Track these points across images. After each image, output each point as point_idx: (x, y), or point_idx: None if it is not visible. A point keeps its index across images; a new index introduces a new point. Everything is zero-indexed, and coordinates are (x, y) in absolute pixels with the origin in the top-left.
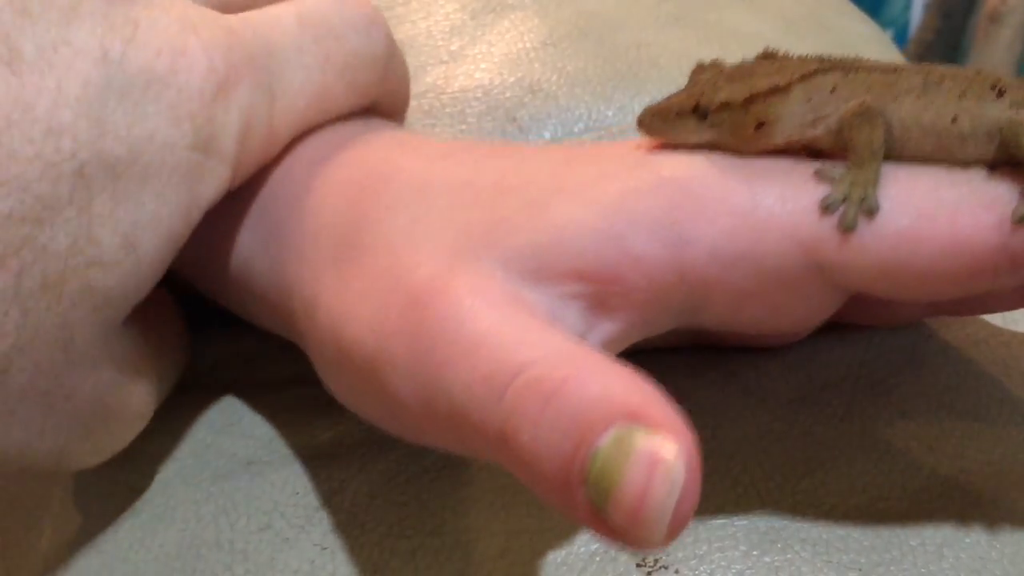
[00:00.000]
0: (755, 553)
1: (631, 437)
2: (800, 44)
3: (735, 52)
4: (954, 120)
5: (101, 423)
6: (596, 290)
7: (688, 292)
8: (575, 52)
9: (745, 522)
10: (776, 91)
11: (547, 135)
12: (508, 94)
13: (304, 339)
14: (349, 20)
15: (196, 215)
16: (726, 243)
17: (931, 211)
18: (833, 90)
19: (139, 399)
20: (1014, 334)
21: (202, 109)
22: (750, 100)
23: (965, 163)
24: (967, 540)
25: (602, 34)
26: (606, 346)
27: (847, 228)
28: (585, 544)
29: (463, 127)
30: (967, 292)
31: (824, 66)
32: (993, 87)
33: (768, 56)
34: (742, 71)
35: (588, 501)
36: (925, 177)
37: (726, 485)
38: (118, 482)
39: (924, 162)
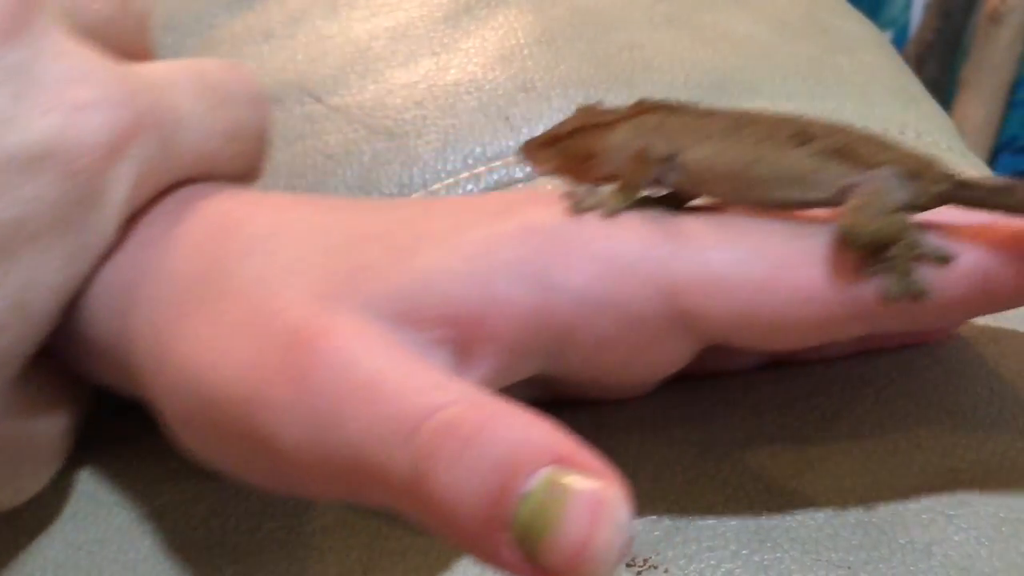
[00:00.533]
0: (744, 552)
1: (565, 480)
2: (795, 45)
3: (728, 54)
4: (750, 165)
5: (14, 470)
6: (462, 335)
7: (552, 336)
8: (569, 51)
9: (735, 522)
10: (601, 126)
11: None
12: (500, 91)
13: (152, 392)
14: (241, 92)
15: (84, 268)
16: (590, 288)
17: (788, 261)
18: (655, 128)
19: (50, 440)
20: (1003, 331)
21: (94, 164)
22: (576, 132)
23: (782, 207)
24: (955, 538)
25: (596, 33)
26: None
27: (577, 209)
28: None
29: (453, 121)
30: (817, 340)
31: (648, 107)
32: (796, 135)
33: (588, 108)
34: (595, 111)
35: (513, 544)
36: (782, 227)
37: (715, 485)
38: (106, 482)
39: (728, 203)
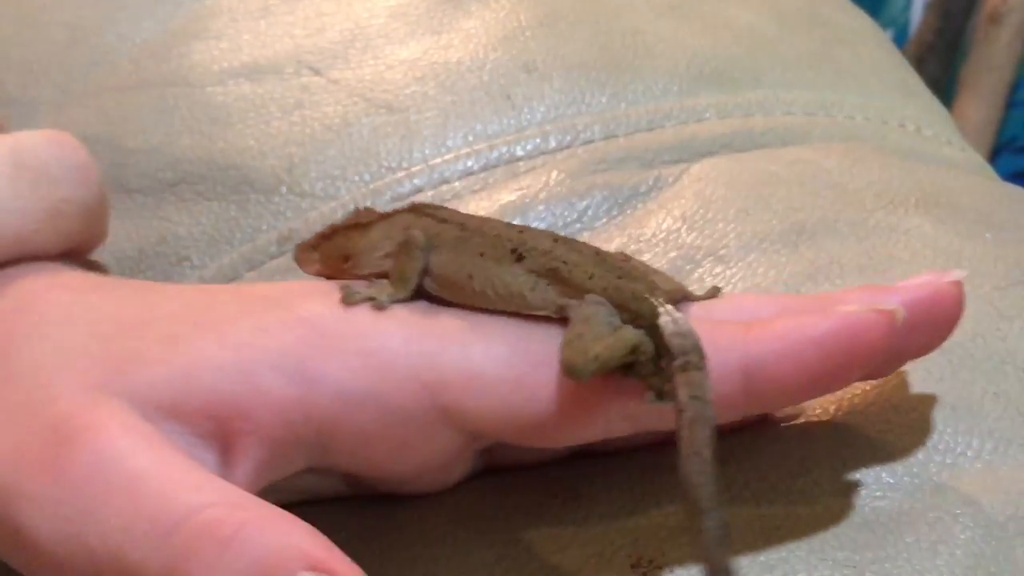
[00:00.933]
0: (750, 552)
1: None
2: (796, 37)
3: (729, 43)
4: (470, 276)
5: None
6: (224, 429)
7: (316, 430)
8: (571, 35)
9: (740, 521)
10: (357, 227)
11: (539, 117)
12: (502, 70)
13: None
14: (65, 166)
15: None
16: (351, 382)
17: (548, 359)
18: (406, 228)
19: None
20: (1010, 328)
21: None
22: (331, 234)
23: (505, 314)
24: (962, 537)
25: (599, 18)
26: (243, 488)
27: (347, 301)
28: (580, 547)
29: (454, 98)
30: (588, 438)
31: (401, 210)
32: (514, 251)
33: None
34: (365, 213)
35: None
36: (546, 327)
37: (721, 484)
38: None
39: (461, 309)
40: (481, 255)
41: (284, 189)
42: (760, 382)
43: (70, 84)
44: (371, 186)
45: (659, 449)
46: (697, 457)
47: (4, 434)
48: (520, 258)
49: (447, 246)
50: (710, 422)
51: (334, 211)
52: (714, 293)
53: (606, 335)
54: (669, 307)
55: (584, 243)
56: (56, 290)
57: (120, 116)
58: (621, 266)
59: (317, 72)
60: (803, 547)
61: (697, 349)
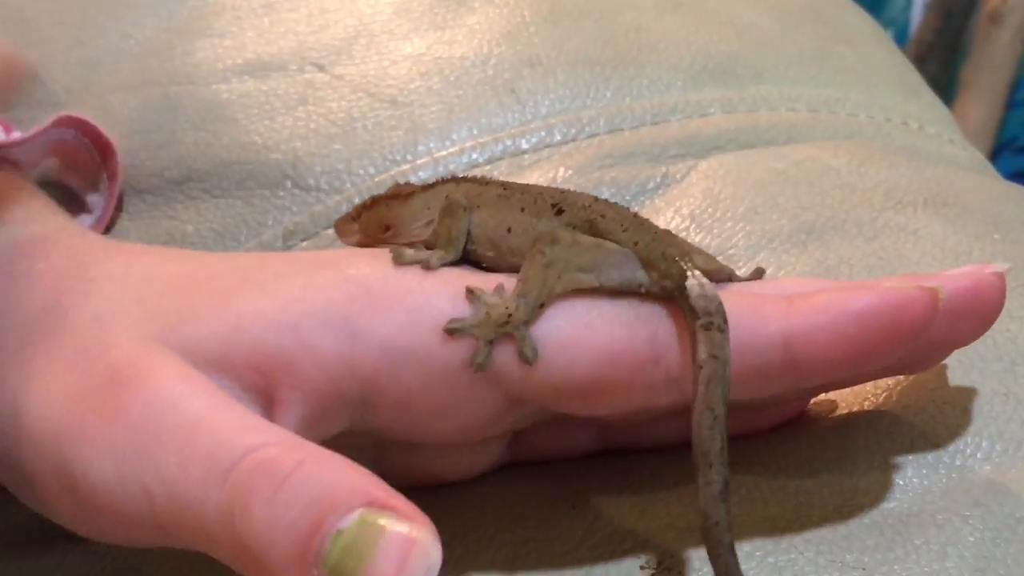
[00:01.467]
0: (758, 554)
1: (378, 520)
2: (799, 34)
3: (732, 39)
4: (509, 231)
5: None
6: (272, 381)
7: (359, 386)
8: (575, 31)
9: (749, 523)
10: (398, 197)
11: (544, 110)
12: (507, 65)
13: None
14: None
15: None
16: (396, 339)
17: (591, 322)
18: (448, 194)
19: None
20: (1019, 329)
21: None
22: (372, 204)
23: None
24: (971, 539)
25: (602, 14)
26: None
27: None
28: (590, 549)
29: (458, 92)
30: (625, 407)
31: (441, 180)
32: (554, 205)
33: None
34: (402, 186)
35: None
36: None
37: (730, 488)
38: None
39: (498, 268)
40: (522, 210)
41: (289, 184)
42: (801, 354)
43: (74, 84)
44: (376, 179)
45: (668, 451)
46: (710, 413)
47: (62, 381)
48: (560, 212)
49: (489, 204)
50: (726, 381)
51: (339, 205)
52: (759, 275)
53: (558, 279)
54: (698, 272)
55: (626, 208)
56: (111, 251)
57: (125, 115)
58: (658, 231)
59: (321, 68)
60: (812, 549)
61: (721, 312)
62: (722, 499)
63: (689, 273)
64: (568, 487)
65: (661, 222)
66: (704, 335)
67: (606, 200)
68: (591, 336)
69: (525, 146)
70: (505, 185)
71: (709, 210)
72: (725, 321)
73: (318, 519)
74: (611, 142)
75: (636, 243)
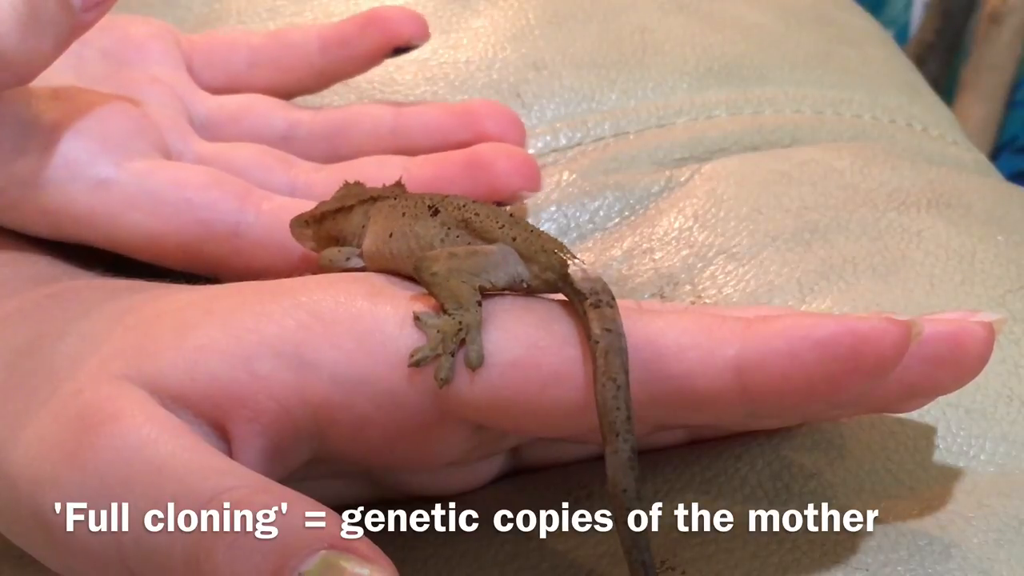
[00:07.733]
0: (762, 554)
1: (339, 562)
2: (801, 35)
3: (737, 41)
4: (391, 236)
5: None
6: (228, 416)
7: (313, 416)
8: (579, 33)
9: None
10: (343, 210)
11: (549, 114)
12: (511, 69)
13: None
14: None
15: None
16: (346, 366)
17: (540, 342)
18: (365, 213)
19: None
20: (1023, 331)
21: None
22: (322, 217)
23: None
24: (975, 540)
25: (606, 16)
26: None
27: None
28: (593, 547)
29: (464, 96)
30: (573, 428)
31: (376, 194)
32: (430, 207)
33: (355, 184)
34: (355, 190)
35: None
36: (536, 307)
37: (733, 486)
38: None
39: (394, 274)
40: (403, 215)
41: None
42: (755, 381)
43: None
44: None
45: (668, 451)
46: (612, 383)
47: (35, 426)
48: (436, 212)
49: (382, 213)
50: (624, 351)
51: None
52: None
53: (465, 283)
54: (578, 259)
55: (501, 208)
56: (90, 289)
57: None
58: (534, 228)
59: None
60: (815, 550)
61: (606, 291)
62: (630, 467)
63: (570, 262)
64: (570, 484)
65: (665, 223)
66: (595, 312)
67: (482, 202)
68: (542, 357)
69: (531, 150)
70: (398, 195)
71: (713, 210)
72: (612, 298)
73: (280, 563)
74: (616, 146)
75: (515, 239)
